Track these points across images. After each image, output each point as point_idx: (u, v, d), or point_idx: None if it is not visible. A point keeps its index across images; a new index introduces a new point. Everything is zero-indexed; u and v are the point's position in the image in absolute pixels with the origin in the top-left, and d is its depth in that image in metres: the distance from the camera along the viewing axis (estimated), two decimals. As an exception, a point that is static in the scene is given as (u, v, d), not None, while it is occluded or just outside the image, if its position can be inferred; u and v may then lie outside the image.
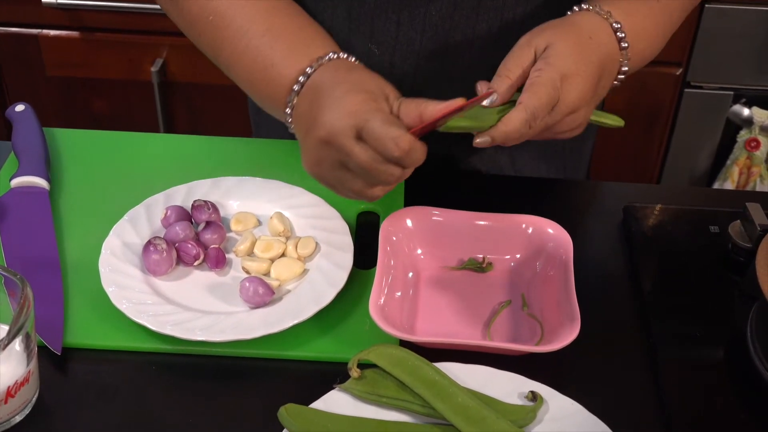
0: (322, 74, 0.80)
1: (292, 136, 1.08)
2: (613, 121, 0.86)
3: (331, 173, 0.78)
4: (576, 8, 0.84)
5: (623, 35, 0.82)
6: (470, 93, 0.78)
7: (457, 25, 0.91)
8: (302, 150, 0.80)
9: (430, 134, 0.76)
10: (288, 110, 0.82)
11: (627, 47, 0.82)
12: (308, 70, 0.80)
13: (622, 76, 0.84)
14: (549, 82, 0.76)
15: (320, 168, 0.79)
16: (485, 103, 0.77)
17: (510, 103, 0.78)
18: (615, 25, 0.82)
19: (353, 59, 0.83)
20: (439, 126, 0.76)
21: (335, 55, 0.82)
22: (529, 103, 0.76)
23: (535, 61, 0.79)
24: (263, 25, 0.84)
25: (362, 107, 0.74)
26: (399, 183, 0.78)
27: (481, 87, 0.79)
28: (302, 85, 0.80)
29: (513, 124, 0.76)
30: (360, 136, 0.74)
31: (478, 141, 0.77)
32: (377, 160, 0.74)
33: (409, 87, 0.95)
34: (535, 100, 0.76)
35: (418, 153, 0.74)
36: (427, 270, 0.88)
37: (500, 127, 0.76)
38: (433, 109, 0.74)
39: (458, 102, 0.74)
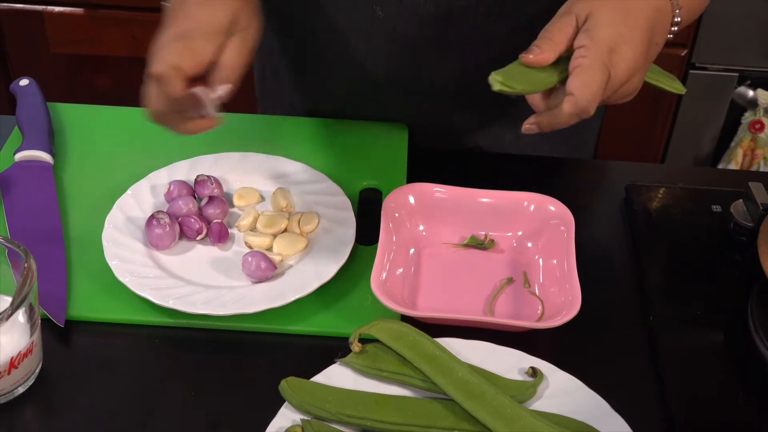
0: None
1: (296, 112, 1.09)
2: (672, 88, 0.82)
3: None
4: None
5: None
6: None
7: None
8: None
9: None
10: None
11: None
12: None
13: (675, 28, 0.79)
14: (597, 63, 0.71)
15: None
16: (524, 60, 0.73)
17: (562, 65, 0.74)
18: None
19: None
20: None
21: None
22: (580, 96, 0.71)
23: (577, 29, 0.74)
24: None
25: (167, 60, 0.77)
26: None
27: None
28: None
29: (561, 118, 0.72)
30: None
31: (526, 127, 0.75)
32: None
33: (411, 51, 0.94)
34: (587, 93, 0.71)
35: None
36: (429, 246, 0.88)
37: (547, 119, 0.73)
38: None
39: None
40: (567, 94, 0.71)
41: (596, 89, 0.71)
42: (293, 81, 1.08)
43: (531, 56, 0.72)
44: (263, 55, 1.13)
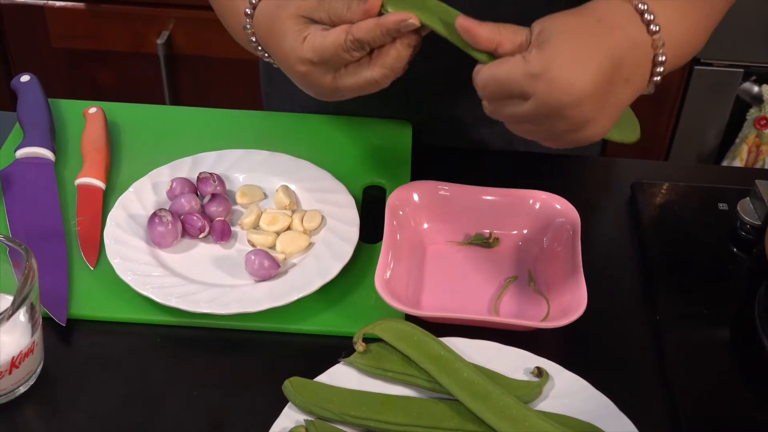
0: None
1: (301, 108, 1.08)
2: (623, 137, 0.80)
3: (326, 89, 0.77)
4: None
5: (652, 17, 0.70)
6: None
7: None
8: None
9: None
10: (252, 39, 0.81)
11: (658, 31, 0.70)
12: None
13: (661, 69, 0.72)
14: (519, 66, 0.68)
15: (317, 92, 0.79)
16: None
17: None
18: (641, 7, 0.70)
19: None
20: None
21: None
22: (487, 67, 0.69)
23: (529, 44, 0.70)
24: None
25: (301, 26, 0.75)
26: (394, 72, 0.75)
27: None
28: (254, 7, 0.79)
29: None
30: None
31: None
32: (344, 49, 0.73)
33: None
34: (491, 68, 0.69)
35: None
36: (434, 244, 0.88)
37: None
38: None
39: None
40: None
41: (502, 73, 0.68)
42: None
43: (466, 22, 0.70)
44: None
